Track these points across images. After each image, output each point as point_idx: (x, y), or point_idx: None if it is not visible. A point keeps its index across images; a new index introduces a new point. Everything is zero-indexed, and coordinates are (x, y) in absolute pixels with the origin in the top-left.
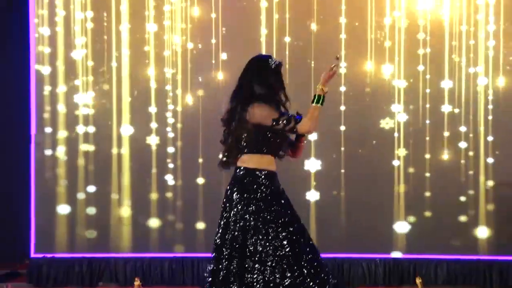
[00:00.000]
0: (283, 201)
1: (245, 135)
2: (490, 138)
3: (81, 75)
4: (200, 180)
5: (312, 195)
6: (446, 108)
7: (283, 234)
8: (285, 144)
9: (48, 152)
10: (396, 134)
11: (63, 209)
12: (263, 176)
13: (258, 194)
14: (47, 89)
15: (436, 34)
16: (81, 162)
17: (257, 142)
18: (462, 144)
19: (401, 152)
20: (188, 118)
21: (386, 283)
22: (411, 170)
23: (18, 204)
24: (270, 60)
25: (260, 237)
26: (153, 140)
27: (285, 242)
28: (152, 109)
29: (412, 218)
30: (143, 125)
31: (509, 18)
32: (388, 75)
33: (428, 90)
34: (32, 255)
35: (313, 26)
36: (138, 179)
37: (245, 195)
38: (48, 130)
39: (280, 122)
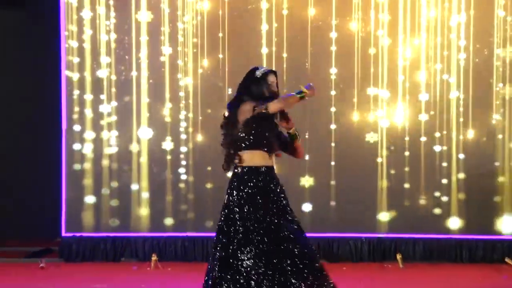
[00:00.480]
0: (270, 198)
1: (239, 133)
2: (461, 137)
3: (105, 87)
4: (209, 184)
5: (307, 181)
6: (423, 117)
7: (263, 229)
8: (276, 141)
9: (77, 146)
10: (378, 138)
11: (90, 199)
12: (252, 172)
13: (248, 190)
14: (76, 93)
15: (414, 50)
16: (105, 162)
17: (248, 138)
18: (437, 148)
19: (384, 152)
20: (199, 125)
21: (370, 259)
22: (392, 166)
23: (51, 189)
24: (256, 71)
25: (250, 227)
26: (168, 143)
27: (265, 238)
28: (167, 119)
29: (394, 205)
30: (159, 129)
31: (476, 35)
32: (373, 86)
33: (407, 97)
34: (63, 234)
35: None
36: (155, 173)
37: (240, 190)
38: (77, 128)
39: (258, 106)
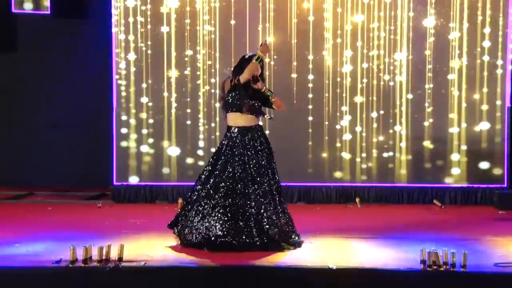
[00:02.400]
0: (249, 151)
1: (227, 99)
2: (398, 128)
3: (145, 103)
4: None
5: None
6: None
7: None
8: (256, 103)
9: (124, 130)
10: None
11: (133, 160)
12: (239, 132)
13: (235, 144)
14: (123, 88)
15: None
16: (143, 138)
17: (232, 104)
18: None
19: (347, 136)
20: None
21: (337, 202)
22: (354, 144)
23: (107, 152)
24: (245, 55)
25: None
26: (189, 151)
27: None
28: (188, 121)
29: (354, 164)
30: (184, 142)
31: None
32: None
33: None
34: (115, 183)
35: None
36: (181, 159)
37: (231, 145)
38: (124, 117)
39: (232, 79)
